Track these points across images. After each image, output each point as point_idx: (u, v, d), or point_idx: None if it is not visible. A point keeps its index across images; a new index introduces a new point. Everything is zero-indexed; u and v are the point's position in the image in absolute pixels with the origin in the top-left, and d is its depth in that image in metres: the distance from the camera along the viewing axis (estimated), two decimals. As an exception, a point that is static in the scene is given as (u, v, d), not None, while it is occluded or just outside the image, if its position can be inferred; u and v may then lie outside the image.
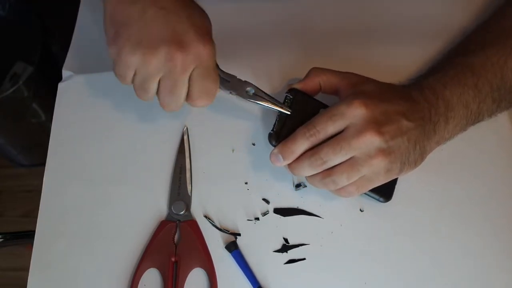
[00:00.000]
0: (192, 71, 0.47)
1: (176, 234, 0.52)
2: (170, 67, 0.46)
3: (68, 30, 0.65)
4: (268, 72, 0.59)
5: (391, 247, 0.51)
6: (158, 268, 0.50)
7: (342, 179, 0.46)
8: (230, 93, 0.51)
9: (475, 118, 0.50)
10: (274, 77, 0.59)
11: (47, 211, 0.54)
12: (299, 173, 0.49)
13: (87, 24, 0.64)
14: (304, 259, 0.51)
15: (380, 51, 0.60)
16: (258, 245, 0.51)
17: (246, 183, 0.54)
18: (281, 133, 0.50)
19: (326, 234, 0.52)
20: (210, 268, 0.50)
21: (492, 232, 0.52)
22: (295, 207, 0.53)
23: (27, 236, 0.83)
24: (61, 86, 0.60)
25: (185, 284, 0.49)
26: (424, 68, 0.58)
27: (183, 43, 0.45)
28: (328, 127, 0.47)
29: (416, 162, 0.48)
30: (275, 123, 0.51)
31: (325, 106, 0.51)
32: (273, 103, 0.51)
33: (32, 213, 1.27)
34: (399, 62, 0.59)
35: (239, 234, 0.52)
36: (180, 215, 0.52)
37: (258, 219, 0.53)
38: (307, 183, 0.51)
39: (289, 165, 0.49)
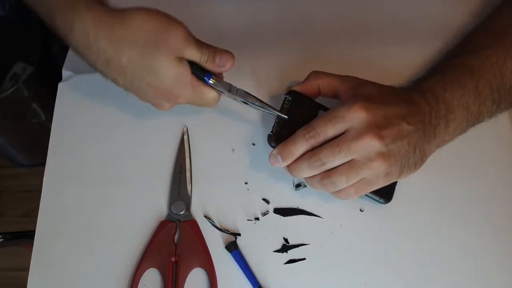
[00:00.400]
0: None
1: (176, 234, 0.52)
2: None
3: (68, 30, 0.65)
4: (268, 72, 0.59)
5: (391, 247, 0.51)
6: (158, 268, 0.50)
7: (341, 181, 0.46)
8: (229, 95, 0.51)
9: (475, 120, 0.50)
10: (274, 77, 0.59)
11: (47, 211, 0.54)
12: (297, 175, 0.48)
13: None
14: (304, 259, 0.51)
15: (380, 52, 0.60)
16: (258, 245, 0.51)
17: (246, 183, 0.54)
18: (280, 135, 0.50)
19: (326, 234, 0.52)
20: (210, 268, 0.50)
21: (492, 232, 0.52)
22: (295, 207, 0.53)
23: (27, 236, 0.82)
24: (61, 86, 0.61)
25: (185, 284, 0.49)
26: (423, 69, 0.58)
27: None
28: (328, 129, 0.47)
29: (416, 165, 0.48)
30: (274, 124, 0.51)
31: (323, 108, 0.51)
32: (268, 109, 0.51)
33: (32, 213, 1.27)
34: (399, 62, 0.59)
35: (239, 234, 0.52)
36: (180, 215, 0.52)
37: (258, 219, 0.53)
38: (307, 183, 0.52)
39: (288, 166, 0.49)
